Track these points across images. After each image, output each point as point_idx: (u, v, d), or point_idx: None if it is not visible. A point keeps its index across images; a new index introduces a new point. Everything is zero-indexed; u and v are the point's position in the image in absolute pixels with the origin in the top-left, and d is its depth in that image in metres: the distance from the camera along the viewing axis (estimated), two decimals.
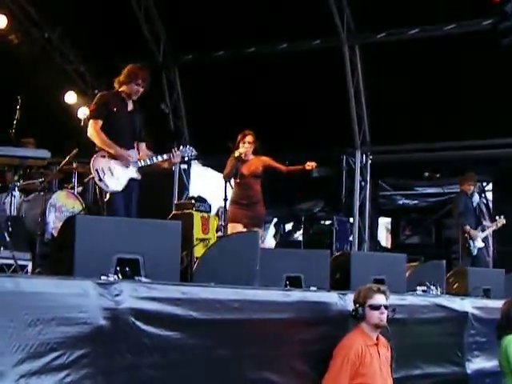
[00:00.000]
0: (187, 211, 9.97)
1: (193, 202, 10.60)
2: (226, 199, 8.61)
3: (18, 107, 8.96)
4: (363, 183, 13.96)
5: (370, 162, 14.07)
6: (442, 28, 12.49)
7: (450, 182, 14.15)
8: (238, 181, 8.62)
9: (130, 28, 14.10)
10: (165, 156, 7.08)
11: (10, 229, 7.48)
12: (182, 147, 7.26)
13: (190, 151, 7.34)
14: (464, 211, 10.70)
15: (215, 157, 8.44)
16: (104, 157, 6.76)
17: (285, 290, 5.51)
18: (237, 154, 8.46)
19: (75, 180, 9.27)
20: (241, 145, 8.57)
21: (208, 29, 13.77)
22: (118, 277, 4.40)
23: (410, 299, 6.47)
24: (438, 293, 7.00)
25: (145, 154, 7.11)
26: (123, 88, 6.99)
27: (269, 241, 14.88)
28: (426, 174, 14.03)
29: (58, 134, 12.09)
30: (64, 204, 8.80)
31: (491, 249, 13.46)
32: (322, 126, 13.23)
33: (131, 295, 4.11)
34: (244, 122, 8.67)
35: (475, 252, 10.62)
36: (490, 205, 13.85)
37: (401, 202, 15.11)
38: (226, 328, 4.68)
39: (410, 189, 14.76)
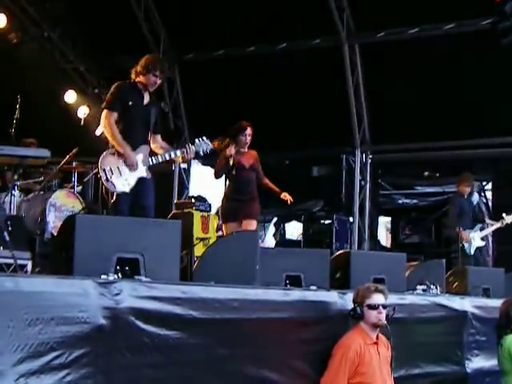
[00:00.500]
0: (187, 210, 9.99)
1: (193, 201, 10.61)
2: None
3: (18, 106, 8.95)
4: (363, 182, 13.97)
5: (369, 161, 14.08)
6: (441, 27, 12.49)
7: (450, 182, 14.12)
8: (235, 174, 8.29)
9: (130, 27, 14.09)
10: (178, 152, 6.84)
11: (10, 228, 7.46)
12: (196, 141, 6.97)
13: (206, 145, 7.00)
14: (459, 213, 10.72)
15: (215, 156, 8.41)
16: (114, 154, 6.54)
17: (285, 289, 5.51)
18: (228, 153, 8.20)
19: (75, 179, 9.28)
20: (241, 137, 8.43)
21: (208, 28, 13.77)
22: (118, 276, 4.40)
23: (409, 298, 6.47)
24: (438, 292, 7.00)
25: (159, 146, 6.87)
26: (140, 79, 6.77)
27: (269, 240, 14.87)
28: (426, 173, 14.02)
29: (58, 133, 12.12)
30: (64, 203, 8.79)
31: (491, 248, 13.46)
32: (321, 126, 13.23)
33: (131, 294, 4.11)
34: (244, 120, 8.63)
35: (472, 252, 10.66)
36: (490, 204, 13.84)
37: (401, 202, 15.09)
38: (225, 327, 4.68)
39: (410, 188, 14.75)
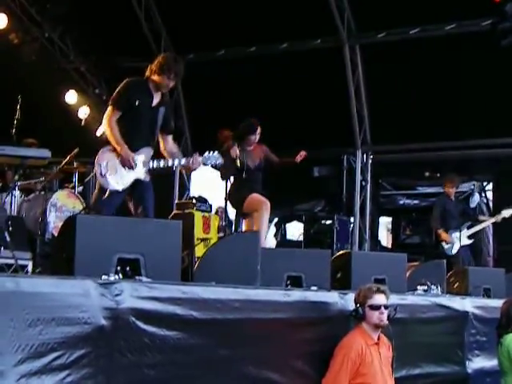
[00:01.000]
0: (188, 211, 9.98)
1: (193, 201, 10.61)
2: (226, 199, 8.56)
3: (19, 106, 8.94)
4: (364, 183, 13.97)
5: (370, 161, 14.08)
6: (442, 28, 12.49)
7: None
8: (245, 177, 8.26)
9: (131, 27, 14.10)
10: (183, 161, 6.64)
11: (11, 228, 7.46)
12: (206, 153, 6.65)
13: (215, 159, 6.66)
14: (442, 214, 10.88)
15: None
16: (113, 151, 6.42)
17: (285, 289, 5.51)
18: (238, 161, 8.16)
19: (76, 179, 9.28)
20: (251, 136, 8.34)
21: (209, 28, 13.77)
22: (119, 276, 4.40)
23: (410, 299, 6.48)
24: (439, 292, 7.00)
25: (168, 150, 6.72)
26: (154, 77, 6.57)
27: (269, 240, 14.87)
28: (427, 173, 14.02)
29: (59, 133, 12.11)
30: (64, 204, 8.79)
31: (492, 248, 13.46)
32: (322, 126, 13.23)
33: (132, 295, 4.11)
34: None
35: (453, 252, 10.76)
36: (490, 204, 13.83)
37: (401, 202, 15.09)
38: (226, 328, 4.68)
39: (411, 188, 14.74)
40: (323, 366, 5.33)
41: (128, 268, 4.52)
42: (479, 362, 7.18)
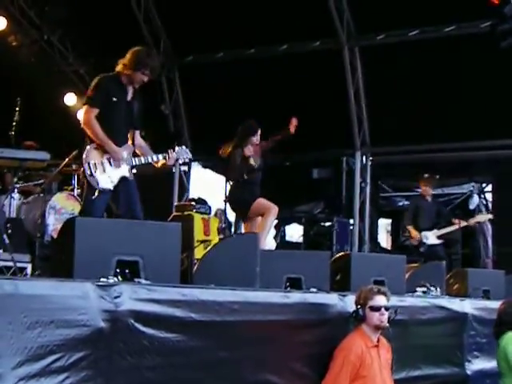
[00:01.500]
0: (187, 213, 9.97)
1: (193, 203, 10.60)
2: (226, 201, 8.56)
3: (18, 109, 8.94)
4: (363, 184, 13.96)
5: (370, 163, 14.08)
6: (441, 30, 12.50)
7: (450, 183, 14.15)
8: (248, 177, 8.23)
9: (130, 30, 14.10)
10: (160, 156, 6.67)
11: (10, 231, 7.47)
12: (177, 148, 6.83)
13: (185, 153, 6.87)
14: (415, 213, 10.98)
15: (215, 158, 8.41)
16: (97, 149, 6.33)
17: (285, 291, 5.50)
18: (248, 153, 8.19)
19: (75, 182, 9.26)
20: (252, 137, 8.36)
21: (208, 30, 13.77)
22: (118, 279, 4.40)
23: (409, 300, 6.48)
24: (438, 294, 7.00)
25: (138, 145, 6.69)
26: (128, 72, 6.48)
27: (269, 242, 14.87)
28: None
29: (58, 135, 12.10)
30: (63, 206, 8.78)
31: (491, 250, 13.46)
32: (322, 128, 13.22)
33: (131, 297, 4.10)
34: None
35: (422, 249, 10.84)
36: (490, 206, 13.84)
37: (401, 204, 15.11)
38: (226, 330, 4.67)
39: (410, 190, 14.75)
40: (323, 368, 5.32)
41: (127, 270, 4.52)
42: (479, 364, 7.18)
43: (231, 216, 9.46)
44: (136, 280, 4.49)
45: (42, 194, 8.86)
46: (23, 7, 14.40)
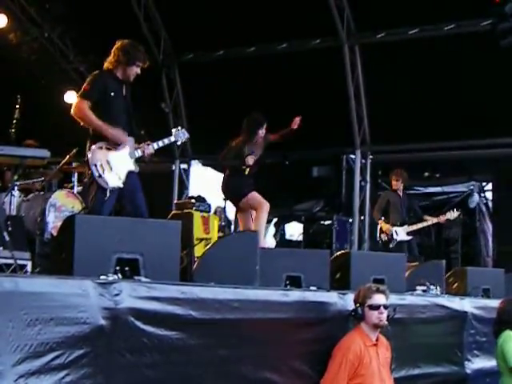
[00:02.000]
0: (187, 211, 9.96)
1: (193, 201, 10.59)
2: (225, 199, 8.55)
3: (18, 106, 8.94)
4: (363, 183, 13.97)
5: (369, 161, 14.09)
6: (441, 28, 12.51)
7: (450, 182, 14.15)
8: (247, 171, 8.21)
9: (130, 27, 14.09)
10: (160, 143, 6.69)
11: (10, 228, 7.45)
12: (174, 130, 6.86)
13: (183, 134, 6.91)
14: (385, 207, 10.86)
15: (215, 156, 8.41)
16: (101, 148, 6.28)
17: (285, 289, 5.50)
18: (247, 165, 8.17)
19: (75, 179, 9.27)
20: (259, 131, 8.33)
21: (208, 28, 13.77)
22: (118, 276, 4.39)
23: (409, 299, 6.47)
24: (438, 292, 6.99)
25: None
26: (120, 69, 6.50)
27: (269, 240, 14.87)
28: (426, 173, 14.03)
29: (58, 133, 12.11)
30: (64, 203, 8.78)
31: (491, 249, 13.47)
32: (321, 126, 13.22)
33: (131, 295, 4.11)
34: (243, 121, 8.61)
35: (391, 245, 10.73)
36: (490, 204, 13.84)
37: None
38: (225, 328, 4.67)
39: (410, 188, 14.74)
40: (322, 367, 5.33)
41: (127, 268, 4.51)
42: (478, 363, 7.18)
43: (231, 214, 9.44)
44: (136, 278, 4.48)
45: (42, 192, 8.87)
46: (24, 5, 14.41)
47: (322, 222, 13.61)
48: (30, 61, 14.51)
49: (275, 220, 15.00)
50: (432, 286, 6.96)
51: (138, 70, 6.55)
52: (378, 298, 5.42)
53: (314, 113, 13.33)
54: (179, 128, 6.97)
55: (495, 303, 6.83)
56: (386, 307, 5.43)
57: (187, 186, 15.46)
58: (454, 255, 13.47)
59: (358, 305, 5.46)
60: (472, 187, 13.92)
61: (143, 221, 5.19)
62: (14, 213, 8.47)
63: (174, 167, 15.39)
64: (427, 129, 12.81)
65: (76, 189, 9.21)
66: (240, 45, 13.83)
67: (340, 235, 12.86)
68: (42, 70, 14.51)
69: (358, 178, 13.88)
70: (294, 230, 15.05)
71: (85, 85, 6.46)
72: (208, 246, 6.54)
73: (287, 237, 15.00)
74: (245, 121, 8.43)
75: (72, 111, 6.38)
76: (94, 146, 6.31)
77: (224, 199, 8.59)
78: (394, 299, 5.88)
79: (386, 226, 10.72)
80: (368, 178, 14.02)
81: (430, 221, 10.87)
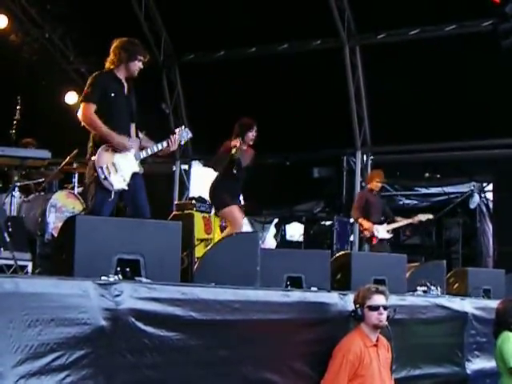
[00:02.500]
0: (188, 211, 9.98)
1: (193, 202, 10.60)
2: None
3: (19, 107, 8.94)
4: (364, 184, 13.95)
5: (370, 162, 14.09)
6: (442, 29, 12.51)
7: (451, 183, 14.14)
8: (234, 172, 8.23)
9: (131, 28, 14.08)
10: (164, 144, 6.68)
11: (10, 229, 7.46)
12: (177, 130, 6.86)
13: (186, 134, 6.92)
14: (365, 206, 10.77)
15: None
16: (107, 150, 6.28)
17: (285, 290, 5.50)
18: (235, 152, 8.24)
19: (76, 180, 9.27)
20: (249, 133, 8.33)
21: (209, 29, 13.78)
22: (119, 277, 4.39)
23: (410, 299, 6.47)
24: (439, 293, 6.99)
25: (135, 137, 6.65)
26: (122, 67, 6.50)
27: (269, 241, 14.88)
28: (427, 174, 14.02)
29: (59, 134, 12.12)
30: (64, 204, 8.78)
31: (491, 249, 13.46)
32: (322, 127, 13.24)
33: (131, 296, 4.10)
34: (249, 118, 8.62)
35: (370, 243, 10.77)
36: (490, 205, 13.83)
37: (401, 203, 15.08)
38: (226, 329, 4.67)
39: (411, 189, 14.75)
40: (323, 367, 5.33)
41: (128, 269, 4.51)
42: (479, 363, 7.18)
43: None
44: (136, 278, 4.48)
45: (42, 193, 8.88)
46: (24, 5, 14.42)
47: (322, 223, 13.62)
48: (30, 61, 14.51)
49: (276, 221, 15.02)
50: (433, 287, 6.96)
51: (141, 65, 6.55)
52: (378, 299, 5.42)
53: (315, 114, 13.37)
54: (182, 127, 6.98)
55: (496, 304, 6.83)
56: (385, 308, 5.43)
57: (188, 186, 15.46)
58: (455, 256, 13.44)
59: (357, 305, 5.46)
60: (472, 188, 13.90)
61: (144, 222, 5.19)
62: (14, 213, 8.48)
63: (174, 168, 15.39)
64: (428, 130, 12.81)
65: (76, 189, 9.21)
66: (241, 45, 13.83)
67: (340, 236, 12.87)
68: (43, 71, 14.51)
69: (358, 178, 13.88)
70: (295, 231, 15.06)
71: (85, 88, 6.45)
72: (209, 247, 6.55)
73: (288, 237, 15.00)
74: (235, 125, 8.47)
75: (80, 118, 6.35)
76: (100, 148, 6.29)
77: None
78: (395, 300, 5.88)
79: (367, 224, 10.69)
80: None
81: (404, 222, 10.92)
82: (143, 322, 4.14)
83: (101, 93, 6.38)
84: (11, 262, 6.64)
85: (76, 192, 9.15)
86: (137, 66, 6.53)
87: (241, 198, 8.66)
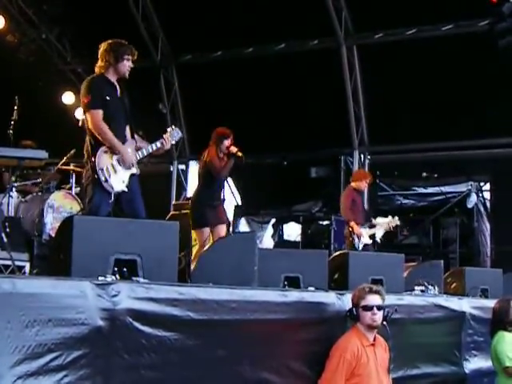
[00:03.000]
0: (185, 212, 9.96)
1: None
2: (223, 199, 8.56)
3: (16, 108, 8.93)
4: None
5: (367, 162, 14.10)
6: (439, 28, 12.53)
7: (448, 182, 14.16)
8: (214, 180, 8.28)
9: (128, 28, 14.08)
10: (158, 144, 6.69)
11: (8, 229, 7.46)
12: (169, 130, 6.85)
13: (176, 133, 6.91)
14: (351, 206, 10.55)
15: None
16: (107, 152, 6.27)
17: (283, 290, 5.50)
18: (240, 154, 8.25)
19: (73, 180, 9.27)
20: (225, 141, 8.33)
21: (206, 29, 13.78)
22: (116, 277, 4.39)
23: (407, 299, 6.47)
24: (436, 293, 6.99)
25: (130, 138, 6.62)
26: (111, 70, 6.46)
27: (267, 241, 14.88)
28: (424, 174, 14.03)
29: (56, 134, 12.12)
30: (62, 204, 8.78)
31: (489, 249, 13.47)
32: (320, 127, 13.25)
33: (129, 296, 4.10)
34: (242, 122, 8.64)
35: (360, 247, 10.50)
36: (488, 204, 13.85)
37: (399, 202, 15.10)
38: (223, 328, 4.67)
39: (408, 189, 14.76)
40: (321, 367, 5.32)
41: (125, 269, 4.51)
42: (476, 363, 7.17)
43: (229, 215, 9.44)
44: (134, 279, 4.48)
45: (40, 193, 8.87)
46: (21, 6, 14.41)
47: (320, 223, 13.62)
48: (27, 62, 14.51)
49: (273, 220, 15.02)
50: (430, 286, 6.96)
51: (130, 64, 6.51)
52: (372, 299, 5.39)
53: (312, 113, 13.37)
54: (173, 127, 6.97)
55: (493, 303, 6.84)
56: (379, 308, 5.39)
57: (185, 186, 15.46)
58: (453, 255, 13.45)
59: (353, 305, 5.46)
60: (470, 187, 13.92)
61: (141, 222, 5.19)
62: (12, 214, 8.47)
63: (171, 168, 15.39)
64: (425, 129, 12.83)
65: (74, 190, 9.21)
66: (238, 46, 13.84)
67: (338, 235, 12.85)
68: (40, 72, 14.51)
69: None
70: (292, 231, 15.05)
71: (84, 95, 6.38)
72: (206, 247, 6.55)
73: (285, 237, 15.00)
74: (212, 134, 8.51)
75: (90, 126, 6.29)
76: (99, 150, 6.27)
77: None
78: (393, 299, 5.88)
79: (358, 231, 10.38)
80: None
81: (381, 228, 10.66)
82: (141, 322, 4.14)
83: (101, 96, 6.35)
84: (9, 263, 6.63)
85: (73, 192, 9.14)
86: (126, 65, 6.49)
87: (238, 197, 8.63)
